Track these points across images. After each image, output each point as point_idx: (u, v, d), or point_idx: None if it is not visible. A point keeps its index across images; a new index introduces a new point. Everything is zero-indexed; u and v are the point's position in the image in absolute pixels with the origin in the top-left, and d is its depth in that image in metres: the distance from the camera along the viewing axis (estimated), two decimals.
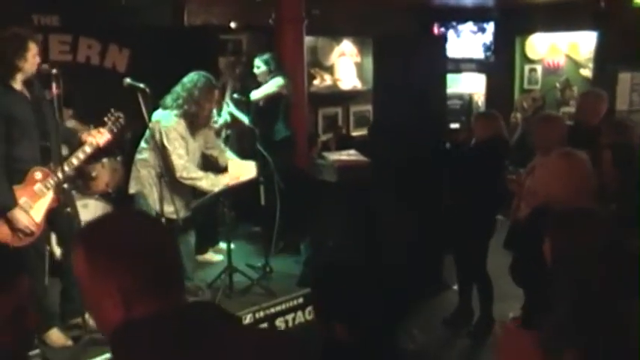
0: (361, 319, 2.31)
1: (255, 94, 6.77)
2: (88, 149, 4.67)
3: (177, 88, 5.27)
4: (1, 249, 2.69)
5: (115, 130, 4.81)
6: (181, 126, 5.26)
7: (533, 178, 4.80)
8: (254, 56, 7.05)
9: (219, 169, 5.65)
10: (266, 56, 6.86)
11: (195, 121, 5.30)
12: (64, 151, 4.78)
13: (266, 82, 6.80)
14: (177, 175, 5.21)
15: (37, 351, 4.32)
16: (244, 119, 6.76)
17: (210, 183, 5.27)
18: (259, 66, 6.85)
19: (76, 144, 4.73)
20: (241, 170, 5.61)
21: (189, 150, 5.33)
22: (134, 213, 1.64)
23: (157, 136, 5.19)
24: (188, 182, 5.26)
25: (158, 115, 5.20)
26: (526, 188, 4.78)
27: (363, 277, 2.47)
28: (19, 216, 4.34)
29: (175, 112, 5.22)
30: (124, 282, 1.46)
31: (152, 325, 1.44)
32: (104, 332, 1.54)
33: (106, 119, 4.76)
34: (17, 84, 4.39)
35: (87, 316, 4.91)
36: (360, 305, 2.34)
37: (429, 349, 5.16)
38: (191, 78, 5.29)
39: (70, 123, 5.80)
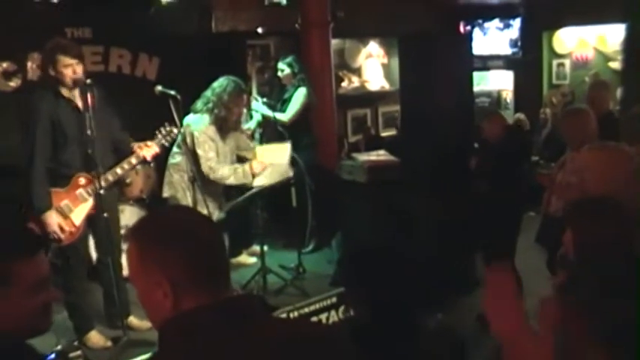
0: (385, 302, 2.36)
1: (289, 116, 6.75)
2: (133, 161, 4.82)
3: (207, 93, 5.39)
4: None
5: (166, 145, 4.95)
6: (211, 129, 5.37)
7: (565, 173, 4.81)
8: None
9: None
10: (289, 59, 6.92)
11: (224, 124, 5.41)
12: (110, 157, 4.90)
13: (292, 85, 6.85)
14: (206, 176, 5.31)
15: (78, 352, 4.43)
16: (277, 116, 6.78)
17: (240, 177, 5.35)
18: (283, 69, 6.92)
19: (127, 152, 4.87)
20: (270, 155, 5.67)
21: (219, 153, 5.43)
22: (186, 208, 1.69)
23: (188, 139, 5.31)
24: (220, 181, 5.37)
25: (189, 119, 5.32)
26: (558, 183, 4.77)
27: (393, 262, 2.51)
28: (50, 219, 4.53)
29: (205, 116, 5.34)
30: (175, 273, 1.52)
31: (200, 316, 1.49)
32: (154, 324, 1.60)
33: (157, 132, 4.87)
34: (65, 92, 4.61)
35: (130, 318, 5.09)
36: (386, 289, 2.39)
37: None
38: (221, 83, 5.40)
39: None
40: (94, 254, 5.37)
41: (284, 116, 6.71)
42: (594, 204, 2.64)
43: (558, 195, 4.82)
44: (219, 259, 1.60)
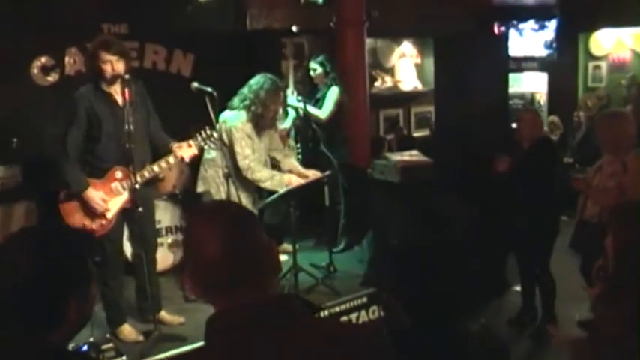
0: (428, 306, 2.35)
1: (326, 113, 6.73)
2: (171, 160, 4.86)
3: (244, 90, 5.40)
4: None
5: (205, 147, 5.00)
6: (247, 126, 5.39)
7: (602, 177, 4.75)
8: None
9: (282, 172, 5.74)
10: (321, 58, 6.91)
11: (260, 121, 5.42)
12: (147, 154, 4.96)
13: (324, 84, 6.84)
14: (243, 175, 5.34)
15: (110, 344, 4.50)
16: (314, 112, 6.76)
17: (276, 184, 5.37)
18: (315, 68, 6.91)
19: (164, 152, 4.92)
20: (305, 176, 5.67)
21: (255, 149, 5.45)
22: (224, 213, 1.71)
23: (224, 136, 5.33)
24: (254, 182, 5.39)
25: (225, 115, 5.34)
26: (594, 187, 4.72)
27: (434, 265, 2.51)
28: (92, 194, 4.63)
29: (242, 112, 5.36)
30: (210, 280, 1.58)
31: (241, 314, 1.53)
32: None
33: (197, 135, 4.86)
34: (105, 86, 4.70)
35: (162, 313, 5.15)
36: (429, 292, 2.38)
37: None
38: (258, 80, 5.41)
39: None
40: (128, 249, 5.42)
41: (321, 113, 6.69)
42: (635, 208, 2.60)
43: (594, 200, 4.77)
44: (258, 257, 1.61)
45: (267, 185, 5.38)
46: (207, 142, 4.92)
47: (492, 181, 5.94)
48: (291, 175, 5.50)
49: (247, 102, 5.37)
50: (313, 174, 5.66)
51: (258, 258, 1.60)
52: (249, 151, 5.35)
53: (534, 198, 4.97)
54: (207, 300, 1.62)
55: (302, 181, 5.48)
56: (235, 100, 5.41)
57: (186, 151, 4.85)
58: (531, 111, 6.07)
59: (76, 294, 1.73)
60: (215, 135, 4.92)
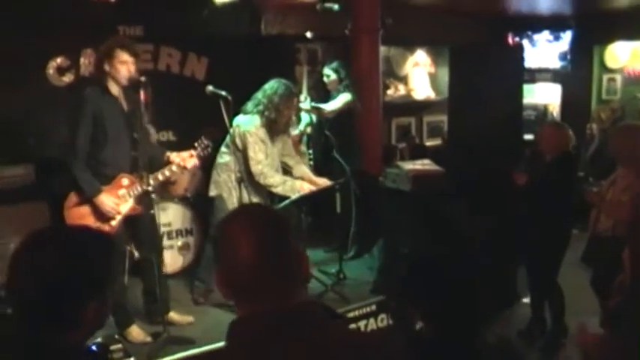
0: (443, 313, 2.33)
1: (331, 107, 6.73)
2: (174, 169, 4.88)
3: (258, 94, 5.41)
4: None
5: (203, 156, 4.99)
6: (262, 131, 5.39)
7: (616, 191, 4.72)
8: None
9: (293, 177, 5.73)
10: (335, 64, 6.90)
11: (273, 126, 5.42)
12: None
13: (337, 90, 6.84)
14: (256, 179, 5.34)
15: (119, 345, 4.49)
16: (320, 105, 6.74)
17: (288, 189, 5.36)
18: (329, 75, 6.91)
19: (161, 161, 4.92)
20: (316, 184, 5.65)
21: (268, 154, 5.45)
22: (260, 217, 1.70)
23: (237, 140, 5.34)
24: (266, 187, 5.39)
25: (239, 120, 5.35)
26: (608, 201, 4.69)
27: (454, 274, 2.48)
28: (104, 199, 4.58)
29: (256, 117, 5.37)
30: (239, 283, 1.58)
31: (264, 320, 1.53)
32: None
33: (196, 145, 4.91)
34: (114, 90, 4.65)
35: (170, 314, 5.14)
36: (444, 299, 2.36)
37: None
38: (272, 85, 5.41)
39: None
40: (136, 251, 5.41)
41: (326, 106, 6.70)
42: None
43: (608, 213, 4.74)
44: (286, 262, 1.61)
45: (279, 190, 5.37)
46: (205, 151, 4.94)
47: (504, 192, 5.92)
48: (303, 182, 5.49)
49: (261, 107, 5.38)
50: (324, 182, 5.66)
51: (288, 266, 1.61)
52: (263, 155, 5.35)
53: (550, 211, 4.95)
54: (236, 305, 1.63)
55: (313, 188, 5.47)
56: (249, 105, 5.42)
57: (188, 161, 4.89)
58: (553, 125, 6.03)
59: (96, 295, 1.73)
60: (210, 145, 4.95)
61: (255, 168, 5.32)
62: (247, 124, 5.35)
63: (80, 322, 1.70)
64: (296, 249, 1.64)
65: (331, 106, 6.73)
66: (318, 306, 1.66)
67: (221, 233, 1.66)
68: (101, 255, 1.77)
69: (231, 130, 5.26)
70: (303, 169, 5.80)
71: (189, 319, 5.31)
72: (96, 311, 1.72)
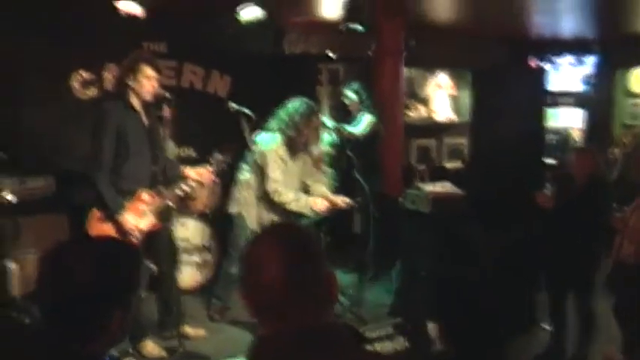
0: (462, 335, 2.31)
1: (360, 129, 6.74)
2: (192, 184, 4.90)
3: (281, 112, 5.42)
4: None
5: (217, 171, 5.00)
6: (282, 149, 5.39)
7: (638, 216, 4.66)
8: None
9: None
10: (355, 86, 6.90)
11: (293, 145, 5.42)
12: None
13: (358, 111, 6.83)
14: (270, 197, 5.33)
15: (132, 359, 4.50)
16: (349, 129, 6.75)
17: (302, 206, 5.34)
18: (349, 96, 6.91)
19: (177, 176, 4.94)
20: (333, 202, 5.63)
21: (288, 172, 5.44)
22: (288, 236, 1.70)
23: (257, 157, 5.34)
24: (280, 205, 5.36)
25: (260, 137, 5.35)
26: (631, 226, 4.63)
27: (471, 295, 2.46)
28: (127, 217, 4.56)
29: (277, 135, 5.37)
30: (263, 301, 1.57)
31: (287, 338, 1.52)
32: None
33: (211, 160, 4.93)
34: (136, 104, 4.65)
35: (185, 327, 5.13)
36: (464, 322, 2.34)
37: None
38: (294, 103, 5.42)
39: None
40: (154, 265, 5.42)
41: (355, 129, 6.71)
42: None
43: (631, 239, 4.68)
44: (312, 282, 1.60)
45: (292, 207, 5.34)
46: (220, 166, 4.96)
47: (525, 215, 5.88)
48: (317, 198, 5.48)
49: (282, 125, 5.38)
50: (342, 200, 5.64)
51: (316, 286, 1.59)
52: (279, 174, 5.35)
53: (581, 235, 4.90)
54: (259, 324, 1.61)
55: (327, 204, 5.46)
56: (271, 123, 5.43)
57: (205, 176, 4.93)
58: (583, 151, 6.00)
59: (122, 304, 1.74)
60: (226, 161, 4.96)
61: (270, 186, 5.32)
62: (268, 142, 5.36)
63: (105, 331, 1.71)
64: (324, 270, 1.63)
65: (358, 129, 6.73)
66: (342, 326, 1.65)
67: (248, 252, 1.65)
68: (128, 265, 1.80)
69: (252, 148, 5.26)
70: (322, 188, 5.78)
71: (202, 332, 5.30)
72: (120, 321, 1.73)
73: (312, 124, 5.45)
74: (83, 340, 1.68)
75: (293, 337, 1.52)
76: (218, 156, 4.93)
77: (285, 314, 1.55)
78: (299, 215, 5.51)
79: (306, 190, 5.73)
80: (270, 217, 5.26)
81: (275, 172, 5.29)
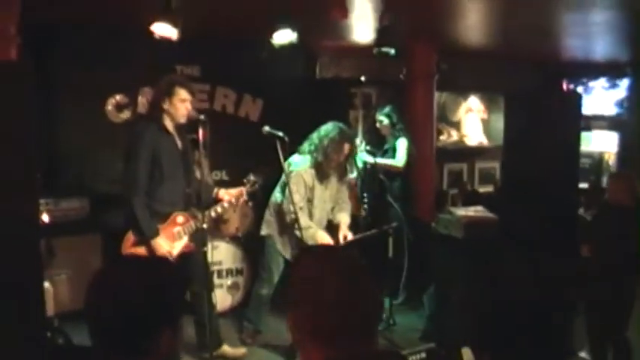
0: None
1: (402, 161, 6.72)
2: (226, 205, 4.95)
3: (314, 135, 5.41)
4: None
5: (251, 193, 5.06)
6: (309, 173, 5.37)
7: None
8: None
9: (332, 224, 5.70)
10: (387, 110, 6.88)
11: (320, 169, 5.40)
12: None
13: (391, 135, 6.81)
14: (284, 216, 5.34)
15: None
16: (391, 162, 6.76)
17: (308, 235, 5.26)
18: (382, 120, 6.88)
19: (210, 199, 4.99)
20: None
21: (315, 196, 5.42)
22: (341, 258, 1.67)
23: (285, 178, 5.33)
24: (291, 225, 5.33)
25: (292, 159, 5.33)
26: None
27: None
28: (160, 243, 4.59)
29: (307, 157, 5.36)
30: (320, 323, 1.54)
31: None
32: None
33: (245, 181, 5.01)
34: (169, 127, 4.68)
35: (224, 347, 5.18)
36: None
37: None
38: (327, 128, 5.40)
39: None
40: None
41: (397, 162, 6.69)
42: None
43: None
44: (364, 311, 1.57)
45: (302, 234, 5.22)
46: (253, 188, 5.02)
47: (559, 241, 5.79)
48: (325, 235, 5.37)
49: (312, 148, 5.37)
50: (345, 236, 5.53)
51: (369, 308, 1.57)
52: (299, 197, 5.27)
53: (618, 263, 4.83)
54: (307, 347, 1.57)
55: (331, 242, 5.36)
56: (304, 145, 5.42)
57: (237, 198, 4.98)
58: (620, 176, 5.93)
59: (171, 323, 1.73)
60: (258, 182, 5.02)
61: (286, 207, 5.29)
62: (297, 164, 5.34)
63: (154, 350, 1.69)
64: (375, 291, 1.61)
65: (400, 159, 6.71)
66: (393, 354, 1.61)
67: (301, 275, 1.62)
68: (174, 284, 1.79)
69: (285, 170, 5.27)
70: (343, 216, 5.68)
71: (243, 351, 5.33)
72: (169, 340, 1.71)
73: (341, 150, 5.38)
74: (133, 358, 1.67)
75: None
76: (252, 177, 4.96)
77: (339, 338, 1.52)
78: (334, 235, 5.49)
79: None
80: (291, 238, 5.25)
81: (294, 195, 5.18)
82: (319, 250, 1.71)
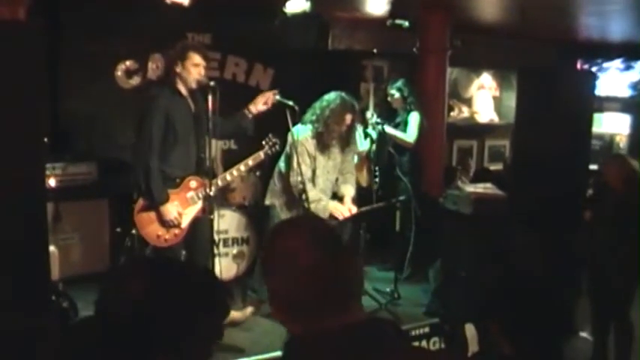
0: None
1: (414, 137, 6.63)
2: (242, 168, 4.92)
3: (316, 105, 5.36)
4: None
5: (270, 154, 5.00)
6: (310, 142, 5.33)
7: None
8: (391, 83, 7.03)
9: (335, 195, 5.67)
10: (399, 83, 6.79)
11: (321, 139, 5.35)
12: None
13: (403, 109, 6.73)
14: (292, 190, 5.29)
15: None
16: (402, 136, 6.67)
17: (320, 208, 5.26)
18: (393, 93, 6.78)
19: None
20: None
21: (319, 166, 5.39)
22: (312, 224, 1.61)
23: (287, 148, 5.29)
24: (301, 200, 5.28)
25: (295, 128, 5.22)
26: None
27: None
28: (170, 208, 4.59)
29: (308, 127, 5.32)
30: (299, 294, 1.48)
31: (325, 339, 1.43)
32: None
33: (264, 142, 4.94)
34: (183, 92, 4.66)
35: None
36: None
37: None
38: (329, 97, 5.35)
39: None
40: None
41: (408, 136, 6.60)
42: None
43: None
44: (345, 280, 1.50)
45: (311, 207, 5.18)
46: (273, 149, 4.96)
47: (567, 221, 5.76)
48: (337, 206, 5.38)
49: (314, 118, 5.32)
50: (349, 209, 5.48)
51: (348, 281, 1.50)
52: (305, 167, 5.23)
53: (622, 244, 4.79)
54: (290, 322, 1.51)
55: (340, 217, 5.37)
56: (307, 114, 5.37)
57: (254, 158, 4.92)
58: (615, 158, 5.86)
59: (164, 351, 1.50)
60: (278, 142, 4.97)
61: (294, 179, 5.24)
62: (300, 133, 5.27)
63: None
64: (356, 258, 1.56)
65: (411, 134, 6.62)
66: (386, 322, 1.56)
67: (274, 247, 1.56)
68: (194, 290, 1.57)
69: (289, 139, 5.23)
70: (347, 188, 5.65)
71: (250, 309, 5.37)
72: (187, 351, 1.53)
73: (344, 120, 5.33)
74: None
75: (335, 335, 1.42)
76: (272, 138, 4.93)
77: (321, 310, 1.45)
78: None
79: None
80: (297, 209, 5.22)
81: (301, 165, 5.12)
82: (297, 222, 1.64)
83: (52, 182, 5.68)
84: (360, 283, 1.58)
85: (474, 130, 9.95)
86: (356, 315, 1.49)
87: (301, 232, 1.55)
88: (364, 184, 6.58)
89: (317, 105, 5.36)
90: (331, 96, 5.36)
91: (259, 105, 4.97)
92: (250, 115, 4.98)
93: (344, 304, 1.49)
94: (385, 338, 1.47)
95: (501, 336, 2.32)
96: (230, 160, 5.77)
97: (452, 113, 9.43)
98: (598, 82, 9.69)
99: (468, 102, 9.91)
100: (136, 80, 6.81)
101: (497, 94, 10.20)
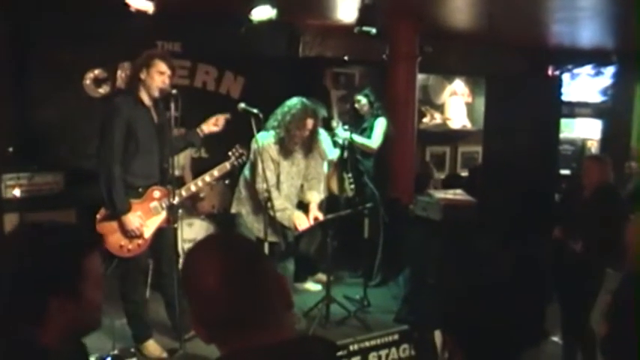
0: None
1: (377, 142, 6.61)
2: (208, 178, 4.88)
3: (277, 111, 5.37)
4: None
5: (237, 165, 4.98)
6: (273, 148, 5.32)
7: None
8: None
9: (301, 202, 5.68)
10: (365, 90, 6.78)
11: (283, 145, 5.34)
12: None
13: (370, 115, 6.72)
14: (258, 197, 5.27)
15: (134, 359, 4.45)
16: (364, 142, 6.65)
17: (285, 217, 5.29)
18: (360, 100, 6.77)
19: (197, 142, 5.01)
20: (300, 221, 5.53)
21: (282, 172, 5.38)
22: (221, 244, 1.60)
23: (252, 156, 5.27)
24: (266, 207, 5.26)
25: (259, 135, 5.18)
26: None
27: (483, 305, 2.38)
28: (132, 218, 4.53)
29: (271, 132, 5.31)
30: (210, 316, 1.46)
31: (252, 357, 1.40)
32: None
33: (230, 153, 4.92)
34: (146, 100, 4.60)
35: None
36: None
37: None
38: (290, 103, 5.37)
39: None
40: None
41: (371, 142, 6.59)
42: None
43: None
44: (269, 296, 1.48)
45: (277, 215, 5.18)
46: (240, 160, 4.94)
47: (536, 225, 5.78)
48: (302, 217, 5.40)
49: (275, 123, 5.33)
50: (315, 218, 5.52)
51: (265, 293, 1.47)
52: (269, 173, 5.24)
53: (589, 247, 4.81)
54: (213, 342, 1.47)
55: (305, 226, 5.41)
56: (270, 121, 5.36)
57: (219, 168, 4.89)
58: (593, 159, 5.89)
59: (57, 291, 1.66)
60: (245, 153, 4.95)
61: (259, 185, 5.22)
62: (262, 139, 5.24)
63: (42, 319, 1.64)
64: (271, 273, 1.51)
65: (375, 140, 6.60)
66: (316, 341, 1.53)
67: (185, 263, 1.53)
68: (63, 250, 1.70)
69: (252, 146, 5.21)
70: (313, 195, 5.66)
71: None
72: (60, 309, 1.65)
73: (305, 125, 5.33)
74: (22, 327, 1.63)
75: (260, 355, 1.39)
76: (238, 149, 4.91)
77: (240, 330, 1.42)
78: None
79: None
80: (261, 216, 5.19)
81: (265, 172, 5.11)
82: (205, 242, 1.60)
83: (17, 192, 5.63)
84: (283, 298, 1.53)
85: (447, 136, 9.99)
86: (281, 334, 1.46)
87: (207, 256, 1.51)
88: (336, 191, 6.58)
89: (279, 111, 5.37)
90: (292, 101, 5.38)
91: (210, 126, 4.93)
92: (202, 134, 4.94)
93: (266, 322, 1.45)
94: (311, 358, 1.45)
95: (457, 347, 2.31)
96: (200, 168, 5.73)
97: (424, 120, 9.47)
98: (568, 88, 9.83)
99: (441, 108, 9.96)
100: (104, 89, 6.78)
101: (469, 100, 10.25)
